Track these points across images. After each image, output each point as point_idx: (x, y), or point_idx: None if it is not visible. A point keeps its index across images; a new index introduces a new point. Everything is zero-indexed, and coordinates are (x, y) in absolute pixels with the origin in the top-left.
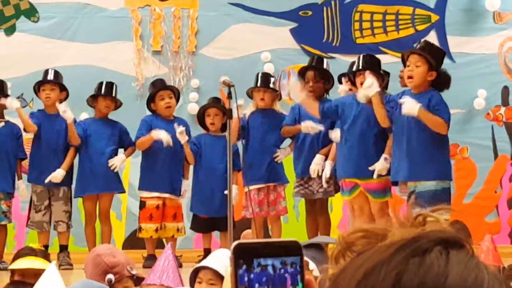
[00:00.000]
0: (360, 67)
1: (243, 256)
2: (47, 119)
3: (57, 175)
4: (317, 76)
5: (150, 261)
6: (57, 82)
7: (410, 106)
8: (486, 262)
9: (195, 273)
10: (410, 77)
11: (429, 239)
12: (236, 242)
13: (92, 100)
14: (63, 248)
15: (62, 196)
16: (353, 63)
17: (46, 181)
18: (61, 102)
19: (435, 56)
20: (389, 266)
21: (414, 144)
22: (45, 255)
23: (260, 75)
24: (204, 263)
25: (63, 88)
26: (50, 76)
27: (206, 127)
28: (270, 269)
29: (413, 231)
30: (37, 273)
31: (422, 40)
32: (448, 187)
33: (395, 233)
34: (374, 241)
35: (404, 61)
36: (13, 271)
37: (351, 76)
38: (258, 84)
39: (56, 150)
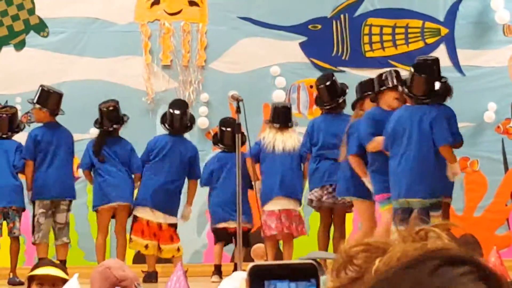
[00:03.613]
0: (390, 85)
1: (259, 277)
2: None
3: None
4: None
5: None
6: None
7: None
8: None
9: None
10: None
11: (430, 255)
12: (251, 264)
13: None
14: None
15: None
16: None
17: None
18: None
19: None
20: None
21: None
22: (63, 269)
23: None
24: None
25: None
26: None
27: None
28: None
29: (414, 245)
30: (54, 283)
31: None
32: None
33: (395, 247)
34: (375, 255)
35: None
36: (30, 280)
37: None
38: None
39: None
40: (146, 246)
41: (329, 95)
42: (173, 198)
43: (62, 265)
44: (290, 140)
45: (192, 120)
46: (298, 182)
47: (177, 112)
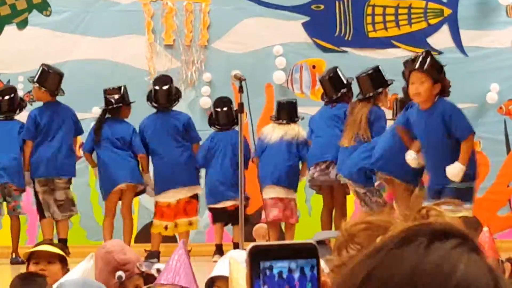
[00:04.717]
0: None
1: (259, 258)
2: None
3: None
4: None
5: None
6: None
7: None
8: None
9: (211, 281)
10: (417, 94)
11: (415, 232)
12: (251, 245)
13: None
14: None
15: None
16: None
17: None
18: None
19: (436, 66)
20: (370, 260)
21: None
22: (63, 248)
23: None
24: (220, 271)
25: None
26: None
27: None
28: (286, 271)
29: (416, 224)
30: (50, 260)
31: (421, 53)
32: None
33: (397, 225)
34: (376, 233)
35: (407, 78)
36: (28, 260)
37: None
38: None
39: None
40: (166, 227)
41: (332, 87)
42: (187, 170)
43: (63, 243)
44: (290, 131)
45: (178, 93)
46: (292, 170)
47: (161, 87)
